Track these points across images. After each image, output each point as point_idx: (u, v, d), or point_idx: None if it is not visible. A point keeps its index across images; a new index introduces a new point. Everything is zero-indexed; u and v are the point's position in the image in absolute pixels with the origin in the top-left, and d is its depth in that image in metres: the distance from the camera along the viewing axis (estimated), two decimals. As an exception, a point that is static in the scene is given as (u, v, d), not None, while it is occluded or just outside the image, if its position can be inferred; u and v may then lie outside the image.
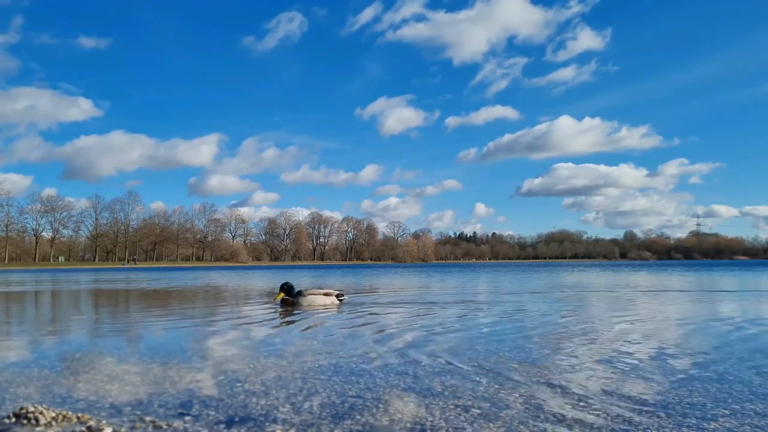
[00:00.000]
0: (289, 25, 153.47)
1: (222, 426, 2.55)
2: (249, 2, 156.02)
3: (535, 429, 2.47)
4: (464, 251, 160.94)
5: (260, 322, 6.94)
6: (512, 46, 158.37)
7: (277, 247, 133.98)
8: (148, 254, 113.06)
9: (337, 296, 9.39)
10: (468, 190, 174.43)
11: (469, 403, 2.91)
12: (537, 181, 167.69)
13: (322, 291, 9.31)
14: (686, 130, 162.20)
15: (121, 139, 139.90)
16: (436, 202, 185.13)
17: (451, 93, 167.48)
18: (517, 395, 3.06)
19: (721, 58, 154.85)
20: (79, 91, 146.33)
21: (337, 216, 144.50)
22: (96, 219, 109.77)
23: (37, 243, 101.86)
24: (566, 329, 5.89)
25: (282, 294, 9.08)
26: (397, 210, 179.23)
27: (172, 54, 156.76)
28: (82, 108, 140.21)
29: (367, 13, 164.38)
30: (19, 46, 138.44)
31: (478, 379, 3.49)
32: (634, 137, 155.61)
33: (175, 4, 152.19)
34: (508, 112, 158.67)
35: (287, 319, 7.23)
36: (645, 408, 2.80)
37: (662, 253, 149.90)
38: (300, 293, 9.13)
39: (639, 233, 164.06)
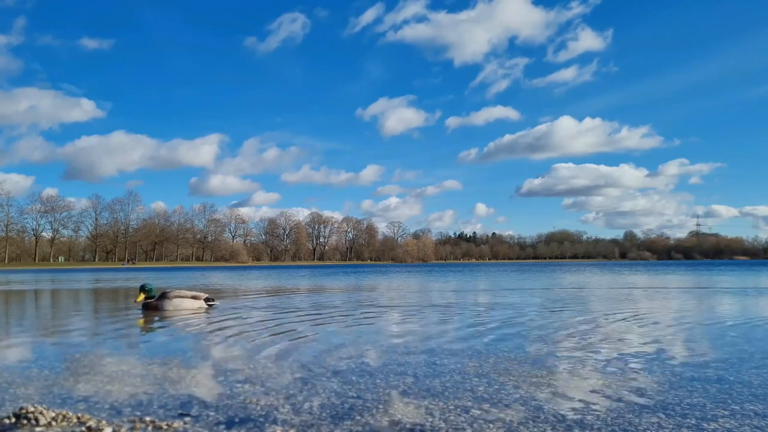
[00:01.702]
0: (292, 26, 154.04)
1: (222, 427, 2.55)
2: (251, 3, 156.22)
3: (535, 429, 2.47)
4: (464, 251, 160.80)
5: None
6: (513, 46, 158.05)
7: (277, 247, 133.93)
8: (147, 254, 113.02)
9: (206, 300, 8.77)
10: (468, 190, 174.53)
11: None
12: (537, 182, 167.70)
13: (190, 294, 8.64)
14: (686, 131, 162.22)
15: (122, 139, 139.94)
16: (436, 202, 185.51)
17: (451, 93, 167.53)
18: (517, 396, 3.07)
19: (721, 58, 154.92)
20: (81, 92, 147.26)
21: (338, 216, 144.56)
22: (96, 219, 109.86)
23: (37, 243, 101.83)
24: (564, 329, 5.89)
25: (143, 296, 8.32)
26: (398, 210, 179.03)
27: (174, 55, 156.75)
28: (84, 109, 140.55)
29: (369, 15, 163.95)
30: (21, 47, 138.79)
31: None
32: (635, 137, 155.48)
33: (178, 5, 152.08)
34: (508, 113, 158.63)
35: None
36: (645, 408, 2.80)
37: (662, 253, 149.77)
38: (164, 296, 8.37)
39: (639, 233, 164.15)
